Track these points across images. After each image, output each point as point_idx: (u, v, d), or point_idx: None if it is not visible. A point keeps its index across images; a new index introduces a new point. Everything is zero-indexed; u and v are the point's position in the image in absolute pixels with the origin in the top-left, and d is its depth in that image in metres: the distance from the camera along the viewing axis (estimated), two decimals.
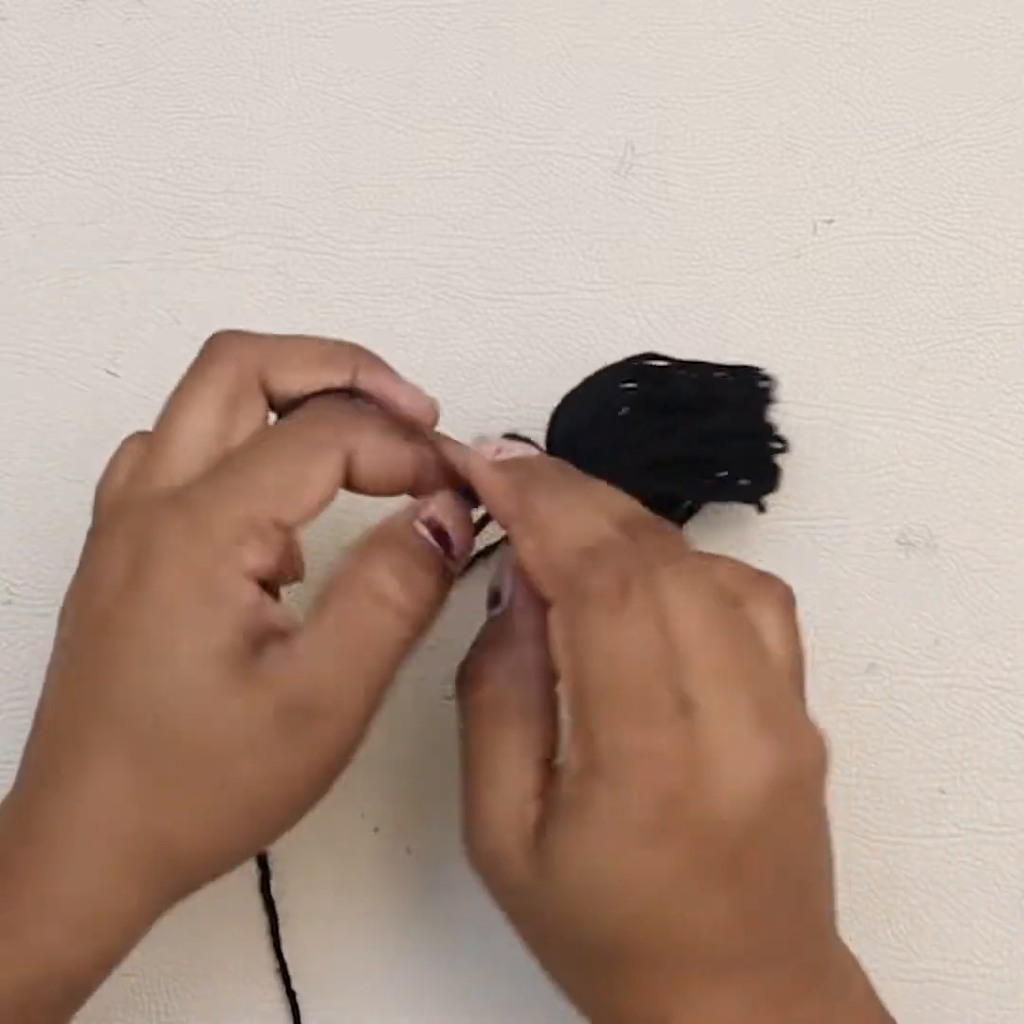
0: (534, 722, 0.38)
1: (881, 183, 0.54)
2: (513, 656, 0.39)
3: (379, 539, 0.39)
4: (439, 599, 0.39)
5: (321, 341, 0.41)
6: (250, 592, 0.37)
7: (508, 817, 0.37)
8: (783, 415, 0.52)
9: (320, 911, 0.49)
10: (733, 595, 0.37)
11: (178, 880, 0.39)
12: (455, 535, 0.40)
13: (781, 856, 0.37)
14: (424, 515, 0.39)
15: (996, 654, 0.50)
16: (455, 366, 0.53)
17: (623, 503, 0.39)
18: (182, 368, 0.53)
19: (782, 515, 0.51)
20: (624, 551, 0.37)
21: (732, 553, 0.51)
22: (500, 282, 0.54)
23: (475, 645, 0.40)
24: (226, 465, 0.39)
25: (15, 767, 0.41)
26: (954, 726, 0.49)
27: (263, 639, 0.37)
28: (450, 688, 0.51)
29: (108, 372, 0.53)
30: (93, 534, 0.40)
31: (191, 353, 0.53)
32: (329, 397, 0.41)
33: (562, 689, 0.37)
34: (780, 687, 0.37)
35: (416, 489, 0.41)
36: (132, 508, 0.39)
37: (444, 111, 0.55)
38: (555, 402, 0.50)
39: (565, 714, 0.37)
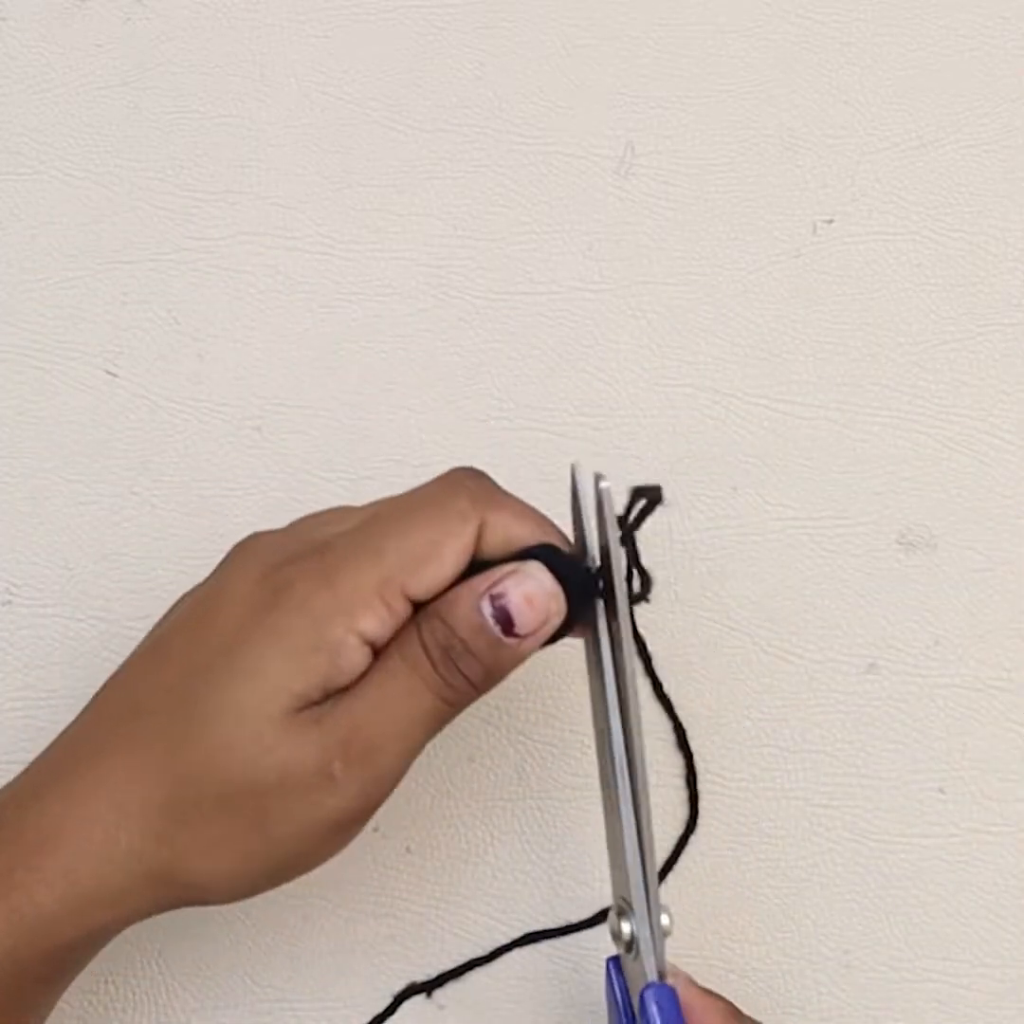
0: None
1: (881, 183, 0.54)
2: None
3: (441, 607, 0.39)
4: (487, 677, 0.39)
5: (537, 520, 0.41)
6: (355, 650, 0.38)
7: None
8: (784, 415, 0.52)
9: (320, 910, 0.49)
10: None
11: (180, 896, 0.40)
12: (521, 616, 0.38)
13: None
14: (494, 589, 0.39)
15: (996, 654, 0.50)
16: (455, 366, 0.53)
17: None
18: (182, 368, 0.54)
19: (782, 515, 0.51)
20: None
21: (731, 552, 0.51)
22: (500, 282, 0.54)
23: None
24: (372, 522, 0.39)
25: (16, 767, 0.41)
26: (954, 726, 0.49)
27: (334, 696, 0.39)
28: None
29: (108, 372, 0.53)
30: (231, 557, 0.41)
31: (191, 353, 0.53)
32: (466, 469, 0.41)
33: None
34: None
35: None
36: (278, 545, 0.40)
37: (444, 111, 0.55)
38: (554, 402, 0.50)
39: None
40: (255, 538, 0.41)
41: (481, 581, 0.39)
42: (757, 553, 0.50)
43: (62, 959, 0.39)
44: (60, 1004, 0.48)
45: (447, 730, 0.50)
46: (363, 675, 0.38)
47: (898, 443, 0.52)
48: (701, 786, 0.49)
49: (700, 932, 0.49)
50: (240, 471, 0.52)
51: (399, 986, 0.49)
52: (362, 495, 0.43)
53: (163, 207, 0.54)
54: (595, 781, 0.49)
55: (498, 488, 0.41)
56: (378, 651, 0.39)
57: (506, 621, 0.38)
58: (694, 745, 0.49)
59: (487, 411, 0.52)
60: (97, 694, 0.41)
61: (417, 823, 0.50)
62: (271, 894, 0.49)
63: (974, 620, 0.50)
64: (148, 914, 0.40)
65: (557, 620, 0.39)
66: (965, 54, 0.55)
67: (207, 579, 0.41)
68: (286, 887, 0.49)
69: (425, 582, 0.38)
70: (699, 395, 0.52)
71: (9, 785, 0.40)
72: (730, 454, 0.52)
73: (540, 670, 0.50)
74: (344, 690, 0.38)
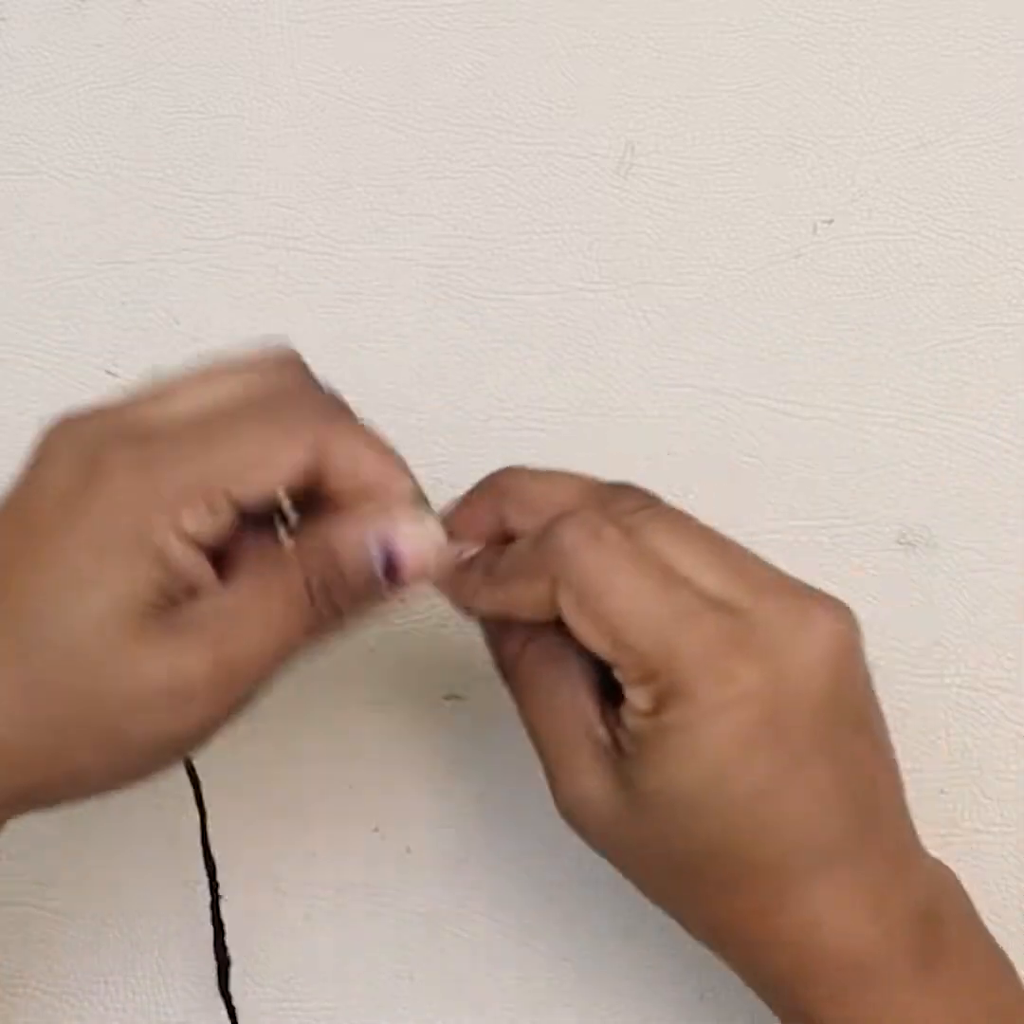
0: (572, 662, 0.39)
1: (881, 183, 0.54)
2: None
3: (324, 536, 0.38)
4: (361, 614, 0.38)
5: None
6: (181, 552, 0.36)
7: (584, 763, 0.38)
8: (784, 415, 0.52)
9: (320, 910, 0.49)
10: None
11: (30, 807, 0.38)
12: (409, 562, 0.37)
13: (859, 722, 0.38)
14: (381, 529, 0.37)
15: (996, 654, 0.50)
16: (455, 366, 0.53)
17: (587, 480, 0.40)
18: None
19: (782, 515, 0.51)
20: (589, 508, 0.38)
21: None
22: (500, 282, 0.54)
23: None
24: (197, 427, 0.37)
25: None
26: (954, 726, 0.49)
27: (180, 599, 0.37)
28: (450, 688, 0.51)
29: (108, 372, 0.53)
30: (43, 443, 0.38)
31: (191, 353, 0.53)
32: (310, 387, 0.39)
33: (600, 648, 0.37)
34: (779, 571, 0.39)
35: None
36: (95, 430, 0.38)
37: (444, 111, 0.55)
38: (554, 402, 0.50)
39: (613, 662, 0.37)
40: (67, 421, 0.38)
41: (374, 518, 0.37)
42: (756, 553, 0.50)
43: None
44: (58, 1004, 0.48)
45: (448, 730, 0.50)
46: (226, 581, 0.37)
47: (898, 443, 0.52)
48: None
49: None
50: None
51: (399, 987, 0.49)
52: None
53: (163, 207, 0.54)
54: None
55: (342, 405, 0.39)
56: (210, 551, 0.37)
57: (391, 568, 0.37)
58: None
59: (487, 411, 0.52)
60: None
61: (417, 823, 0.50)
62: (269, 894, 0.49)
63: (974, 620, 0.50)
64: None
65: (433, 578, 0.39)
66: (965, 54, 0.55)
67: (20, 474, 0.38)
68: (285, 887, 0.49)
69: (253, 488, 0.37)
70: (699, 395, 0.52)
71: None
72: (730, 454, 0.52)
73: None
74: (192, 594, 0.37)
